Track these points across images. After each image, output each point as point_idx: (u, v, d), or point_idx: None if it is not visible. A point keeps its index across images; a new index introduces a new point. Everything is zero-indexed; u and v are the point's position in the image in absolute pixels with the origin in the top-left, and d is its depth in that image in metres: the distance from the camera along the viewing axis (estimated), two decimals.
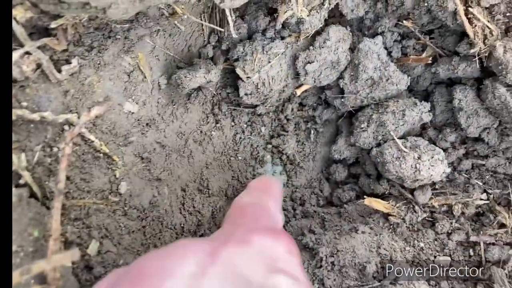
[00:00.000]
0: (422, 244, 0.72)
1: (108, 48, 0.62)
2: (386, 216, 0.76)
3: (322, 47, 0.72)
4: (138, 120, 0.67)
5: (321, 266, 0.67)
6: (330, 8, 0.71)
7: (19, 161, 0.56)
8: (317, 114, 0.84)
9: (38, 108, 0.57)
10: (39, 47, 0.55)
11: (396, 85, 0.75)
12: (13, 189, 0.53)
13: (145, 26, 0.65)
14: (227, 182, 0.79)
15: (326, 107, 0.84)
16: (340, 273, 0.67)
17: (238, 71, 0.71)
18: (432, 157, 0.72)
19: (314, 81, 0.75)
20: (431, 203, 0.76)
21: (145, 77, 0.67)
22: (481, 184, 0.77)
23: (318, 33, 0.73)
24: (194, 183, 0.74)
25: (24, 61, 0.54)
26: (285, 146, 0.83)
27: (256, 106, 0.79)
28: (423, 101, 0.76)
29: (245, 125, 0.82)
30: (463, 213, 0.75)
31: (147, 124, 0.68)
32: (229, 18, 0.68)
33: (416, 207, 0.75)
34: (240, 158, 0.81)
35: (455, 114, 0.75)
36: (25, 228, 0.53)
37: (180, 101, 0.72)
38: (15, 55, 0.53)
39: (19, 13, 0.51)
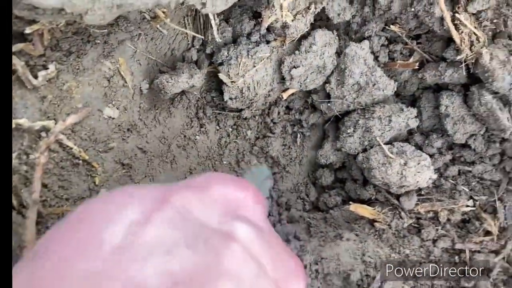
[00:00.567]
0: (407, 251, 0.72)
1: (87, 53, 0.61)
2: (371, 222, 0.75)
3: (308, 52, 0.71)
4: (119, 125, 0.65)
5: None
6: (316, 12, 0.70)
7: None
8: (303, 118, 0.83)
9: (14, 115, 0.56)
10: (14, 53, 0.54)
11: (383, 90, 0.74)
12: None
13: (125, 30, 0.63)
14: None
15: (313, 111, 0.83)
16: (324, 281, 0.66)
17: (221, 76, 0.69)
18: (419, 163, 0.72)
19: (300, 86, 0.74)
20: (417, 209, 0.75)
21: (126, 82, 0.65)
22: (467, 190, 0.76)
23: (304, 37, 0.72)
24: None
25: None
26: (269, 148, 0.82)
27: (242, 110, 0.78)
28: (409, 107, 0.75)
29: (230, 129, 0.80)
30: (449, 219, 0.75)
31: (128, 129, 0.67)
32: (213, 22, 0.66)
33: (402, 213, 0.75)
34: (225, 162, 0.80)
35: (441, 120, 0.74)
36: None
37: (163, 105, 0.71)
38: None
39: None
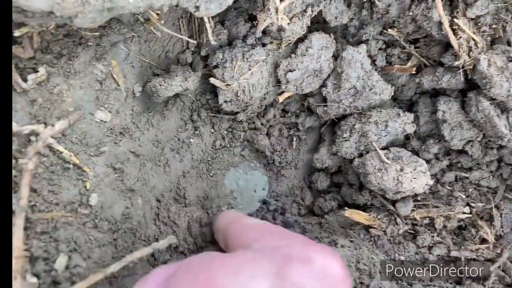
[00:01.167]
0: (402, 258, 0.71)
1: (79, 56, 0.60)
2: (367, 228, 0.74)
3: (304, 55, 0.70)
4: (111, 129, 0.64)
5: None
6: (313, 15, 0.68)
7: None
8: (299, 121, 0.82)
9: None
10: None
11: (380, 95, 0.73)
12: None
13: (118, 32, 0.62)
14: (205, 191, 0.77)
15: (309, 114, 0.82)
16: None
17: (214, 81, 0.68)
18: (415, 169, 0.71)
19: (296, 89, 0.73)
20: (413, 216, 0.74)
21: (118, 85, 0.64)
22: (464, 197, 0.76)
23: (301, 40, 0.71)
24: (170, 193, 0.72)
25: None
26: (264, 151, 0.80)
27: (237, 113, 0.76)
28: (406, 112, 0.74)
29: (225, 132, 0.79)
30: (445, 226, 0.74)
31: (120, 133, 0.65)
32: (207, 25, 0.65)
33: (398, 219, 0.74)
34: (220, 166, 0.79)
35: (439, 126, 0.73)
36: None
37: (156, 108, 0.70)
38: None
39: None
